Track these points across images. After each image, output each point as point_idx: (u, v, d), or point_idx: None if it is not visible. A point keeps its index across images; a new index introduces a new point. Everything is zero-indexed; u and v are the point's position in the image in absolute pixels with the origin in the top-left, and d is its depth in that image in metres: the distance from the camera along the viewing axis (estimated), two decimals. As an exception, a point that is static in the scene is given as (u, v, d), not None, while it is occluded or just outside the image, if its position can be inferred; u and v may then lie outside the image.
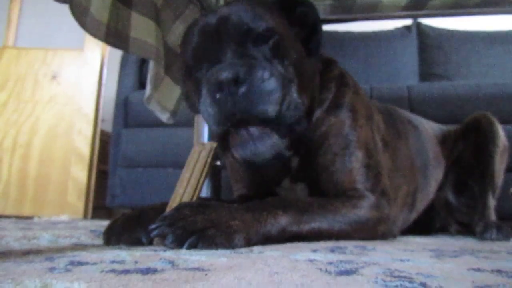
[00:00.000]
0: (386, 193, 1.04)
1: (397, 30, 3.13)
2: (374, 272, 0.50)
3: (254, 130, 0.85)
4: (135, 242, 0.80)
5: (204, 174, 1.04)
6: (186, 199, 0.98)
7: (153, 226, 0.73)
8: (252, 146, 0.85)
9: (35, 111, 3.12)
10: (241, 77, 0.80)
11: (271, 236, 0.80)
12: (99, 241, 0.86)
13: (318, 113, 1.06)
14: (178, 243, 0.70)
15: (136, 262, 0.54)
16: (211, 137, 0.93)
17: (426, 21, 3.16)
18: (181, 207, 0.78)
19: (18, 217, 2.25)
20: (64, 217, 2.12)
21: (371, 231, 0.97)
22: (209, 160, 1.08)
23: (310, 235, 0.86)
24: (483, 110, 1.61)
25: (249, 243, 0.75)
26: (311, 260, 0.59)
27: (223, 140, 0.89)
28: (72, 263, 0.52)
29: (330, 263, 0.56)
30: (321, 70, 1.10)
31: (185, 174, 1.03)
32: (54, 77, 3.19)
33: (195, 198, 0.99)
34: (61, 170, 3.03)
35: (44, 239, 0.87)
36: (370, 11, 1.59)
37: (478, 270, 0.55)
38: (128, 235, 0.81)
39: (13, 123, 3.10)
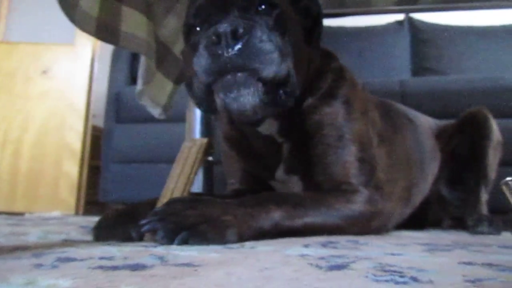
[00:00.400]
0: (380, 187, 1.04)
1: (390, 24, 3.13)
2: (365, 267, 0.50)
3: (240, 76, 0.81)
4: (126, 238, 0.79)
5: (194, 169, 1.04)
6: (176, 194, 0.97)
7: (144, 221, 0.72)
8: (236, 91, 0.82)
9: (26, 107, 3.10)
10: (240, 31, 0.78)
11: (264, 231, 0.79)
12: (89, 237, 0.85)
13: (310, 100, 1.05)
14: (169, 239, 0.69)
15: (125, 258, 0.54)
16: (195, 97, 0.90)
17: (419, 16, 3.16)
18: (172, 201, 0.77)
19: (10, 214, 2.23)
20: (55, 213, 2.10)
21: (364, 225, 0.97)
22: (199, 156, 1.07)
23: (303, 230, 0.86)
24: (475, 105, 1.61)
25: (242, 238, 0.75)
26: (302, 255, 0.58)
27: (208, 88, 0.85)
28: (59, 259, 0.52)
29: (322, 258, 0.56)
30: (320, 62, 1.09)
31: (176, 169, 1.02)
32: (45, 72, 3.17)
33: (185, 193, 0.98)
34: (52, 166, 3.01)
35: (33, 235, 0.86)
36: (362, 6, 1.58)
37: (469, 263, 0.55)
38: (118, 231, 0.80)
39: (4, 119, 3.07)
